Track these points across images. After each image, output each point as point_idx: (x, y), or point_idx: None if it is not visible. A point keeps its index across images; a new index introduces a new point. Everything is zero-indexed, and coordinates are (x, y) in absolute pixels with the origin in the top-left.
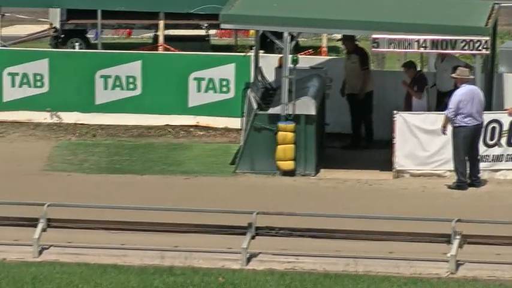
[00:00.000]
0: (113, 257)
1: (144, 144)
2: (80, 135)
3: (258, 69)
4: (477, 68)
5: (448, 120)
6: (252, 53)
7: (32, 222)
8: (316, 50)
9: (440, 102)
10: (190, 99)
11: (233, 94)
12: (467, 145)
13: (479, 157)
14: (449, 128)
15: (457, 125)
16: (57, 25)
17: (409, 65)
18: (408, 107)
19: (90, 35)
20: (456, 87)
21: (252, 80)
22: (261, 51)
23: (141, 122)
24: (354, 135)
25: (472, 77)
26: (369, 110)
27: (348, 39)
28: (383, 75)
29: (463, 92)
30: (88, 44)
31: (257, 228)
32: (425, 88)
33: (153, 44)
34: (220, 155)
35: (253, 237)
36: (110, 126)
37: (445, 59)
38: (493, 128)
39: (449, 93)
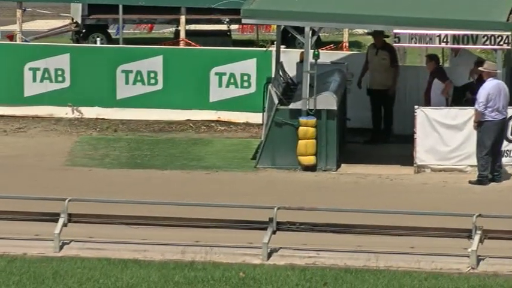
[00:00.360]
0: (133, 252)
1: (165, 139)
2: (101, 130)
3: (279, 64)
4: (499, 63)
5: (479, 114)
6: (273, 48)
7: (53, 217)
8: (337, 45)
9: (454, 97)
10: (211, 94)
11: (254, 89)
12: (492, 140)
13: (501, 152)
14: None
15: (483, 119)
16: (79, 20)
17: (431, 57)
18: (428, 102)
19: (112, 30)
20: (471, 81)
21: (273, 75)
22: (282, 46)
23: (162, 117)
24: (385, 130)
25: (499, 70)
26: (392, 105)
27: (378, 35)
28: (404, 70)
29: (491, 85)
30: (109, 39)
31: (278, 223)
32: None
33: (174, 39)
34: (241, 150)
35: (274, 232)
36: (131, 121)
37: (459, 53)
38: None
39: (464, 87)
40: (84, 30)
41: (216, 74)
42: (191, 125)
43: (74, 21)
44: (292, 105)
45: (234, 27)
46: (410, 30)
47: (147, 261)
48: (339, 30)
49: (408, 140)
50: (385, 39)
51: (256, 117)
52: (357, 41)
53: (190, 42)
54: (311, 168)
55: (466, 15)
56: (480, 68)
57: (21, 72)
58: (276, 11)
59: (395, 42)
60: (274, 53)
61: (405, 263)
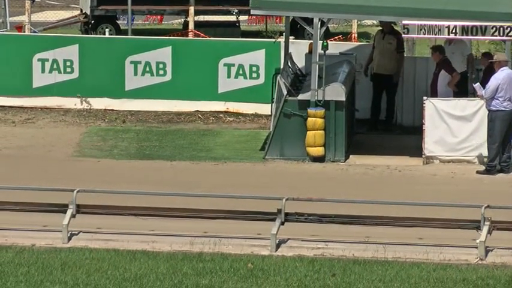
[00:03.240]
0: (142, 243)
1: (174, 130)
2: (110, 121)
3: (287, 55)
4: (507, 53)
5: (481, 98)
6: (281, 39)
7: (61, 208)
8: (346, 36)
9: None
10: (220, 85)
11: (263, 80)
12: (503, 129)
13: (511, 143)
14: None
15: (495, 109)
16: (88, 11)
17: (435, 49)
18: (434, 94)
19: (123, 21)
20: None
21: (281, 66)
22: (291, 37)
23: (170, 108)
24: (387, 119)
25: (508, 60)
26: (394, 93)
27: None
28: (413, 61)
29: (502, 76)
30: (118, 30)
31: (286, 214)
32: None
33: (183, 30)
34: (249, 141)
35: (282, 223)
36: (139, 112)
37: (453, 42)
38: None
39: (461, 75)
40: (92, 21)
41: (225, 65)
42: (200, 116)
43: (83, 12)
44: (300, 96)
45: (243, 18)
46: (419, 21)
47: (155, 252)
48: (347, 21)
49: (417, 131)
50: (393, 25)
51: (264, 108)
52: (366, 32)
53: (199, 33)
54: (319, 159)
55: (475, 6)
56: (491, 60)
57: (30, 63)
58: (285, 2)
59: (404, 33)
60: (283, 44)
61: (413, 254)
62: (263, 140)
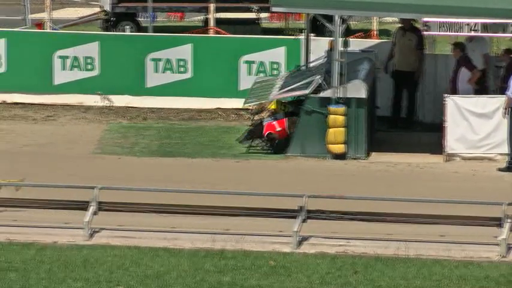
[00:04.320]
0: (163, 240)
1: (195, 127)
2: (131, 119)
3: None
4: None
5: (510, 101)
6: (302, 36)
7: (82, 205)
8: (366, 33)
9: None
10: (241, 82)
11: None
12: None
13: None
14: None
15: None
16: (108, 8)
17: (456, 45)
18: (453, 91)
19: (143, 19)
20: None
21: (302, 63)
22: (312, 34)
23: (191, 105)
24: (407, 116)
25: None
26: (415, 90)
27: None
28: (434, 58)
29: None
30: (138, 28)
31: (308, 211)
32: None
33: (203, 27)
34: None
35: (304, 221)
36: (160, 109)
37: (474, 40)
38: None
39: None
40: (113, 19)
41: (246, 62)
42: (220, 113)
43: (104, 9)
44: (321, 94)
45: (263, 15)
46: (439, 18)
47: (176, 250)
48: (367, 18)
49: (437, 128)
50: (413, 22)
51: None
52: (386, 29)
53: (220, 30)
54: (341, 156)
55: (496, 4)
56: None
57: (51, 61)
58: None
59: (424, 30)
60: (303, 41)
61: (435, 251)
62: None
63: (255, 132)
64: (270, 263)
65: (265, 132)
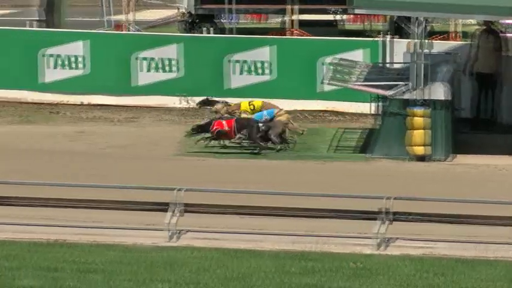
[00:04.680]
0: (246, 241)
1: None
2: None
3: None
4: None
5: None
6: (380, 38)
7: (165, 207)
8: (449, 35)
9: None
10: (319, 84)
11: None
12: None
13: None
14: None
15: None
16: (191, 10)
17: None
18: None
19: (224, 20)
20: None
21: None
22: (392, 35)
23: None
24: (491, 117)
25: None
26: (499, 92)
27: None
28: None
29: None
30: (217, 29)
31: (391, 213)
32: None
33: (282, 29)
34: (351, 139)
35: (388, 222)
36: None
37: None
38: None
39: None
40: (197, 20)
41: (324, 64)
42: (298, 114)
43: (183, 11)
44: (404, 96)
45: (345, 17)
46: None
47: (259, 251)
48: (446, 20)
49: None
50: (491, 24)
51: (366, 107)
52: (464, 30)
53: (303, 32)
54: (423, 158)
55: None
56: None
57: (130, 62)
58: (387, 1)
59: (502, 32)
60: (380, 43)
61: None
62: (365, 139)
63: (204, 127)
64: (353, 265)
65: (213, 129)
